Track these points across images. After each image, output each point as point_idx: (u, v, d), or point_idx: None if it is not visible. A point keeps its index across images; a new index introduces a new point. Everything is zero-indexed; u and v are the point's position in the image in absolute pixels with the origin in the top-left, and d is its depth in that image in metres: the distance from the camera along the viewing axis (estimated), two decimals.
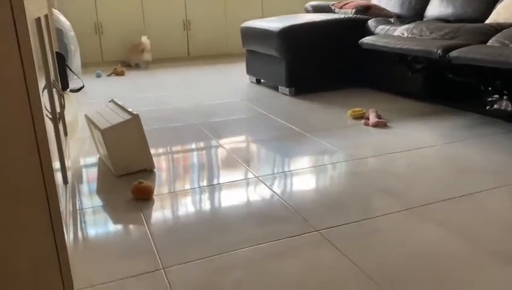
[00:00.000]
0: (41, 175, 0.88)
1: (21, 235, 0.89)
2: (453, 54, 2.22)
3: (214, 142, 2.20)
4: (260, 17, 5.47)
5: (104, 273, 1.15)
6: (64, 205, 1.23)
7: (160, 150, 2.11)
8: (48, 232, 0.91)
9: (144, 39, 4.67)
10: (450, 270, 1.13)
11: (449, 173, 1.76)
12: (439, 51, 2.30)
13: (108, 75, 4.27)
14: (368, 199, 1.55)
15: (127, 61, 4.78)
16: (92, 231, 1.37)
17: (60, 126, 1.55)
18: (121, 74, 4.29)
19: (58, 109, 1.56)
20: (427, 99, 2.94)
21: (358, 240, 1.28)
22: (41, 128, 0.86)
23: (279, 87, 3.35)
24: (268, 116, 2.66)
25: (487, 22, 2.74)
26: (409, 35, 2.79)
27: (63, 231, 0.92)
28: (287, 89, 3.24)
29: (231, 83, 3.81)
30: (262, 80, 3.75)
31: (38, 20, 1.25)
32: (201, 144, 2.19)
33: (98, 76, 4.21)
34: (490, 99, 2.90)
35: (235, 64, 4.85)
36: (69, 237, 1.19)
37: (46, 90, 1.30)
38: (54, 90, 1.45)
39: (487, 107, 2.71)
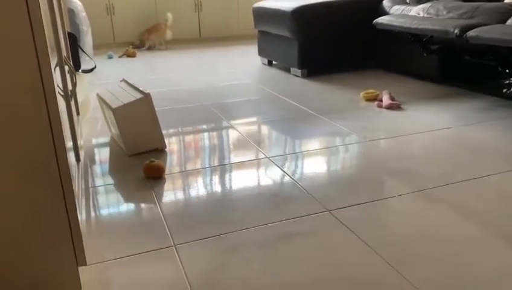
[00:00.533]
0: (54, 152, 0.88)
1: (35, 212, 0.90)
2: (471, 33, 2.16)
3: (225, 123, 2.20)
4: None
5: (116, 249, 1.16)
6: (77, 183, 1.24)
7: (172, 130, 2.12)
8: (61, 208, 0.92)
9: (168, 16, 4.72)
10: (461, 253, 1.12)
11: (464, 155, 1.73)
12: (456, 31, 2.24)
13: (119, 57, 4.27)
14: (380, 180, 1.53)
15: (144, 41, 4.74)
16: (104, 209, 1.39)
17: (72, 104, 1.56)
18: (133, 55, 4.28)
19: (70, 87, 1.56)
20: (442, 82, 2.89)
21: (370, 221, 1.27)
22: (54, 106, 0.86)
23: (291, 68, 3.32)
24: (280, 98, 2.64)
25: (506, 1, 2.65)
26: (425, 15, 2.73)
27: (75, 207, 0.93)
28: (299, 71, 3.21)
29: (243, 64, 3.78)
30: (274, 62, 3.71)
31: None
32: (213, 125, 2.18)
33: (110, 57, 4.21)
34: (508, 82, 2.83)
35: (247, 46, 4.81)
36: (81, 213, 1.20)
37: (58, 68, 1.30)
38: (66, 68, 1.45)
39: (504, 90, 2.65)
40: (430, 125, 2.08)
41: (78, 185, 1.25)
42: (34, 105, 0.84)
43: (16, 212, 0.89)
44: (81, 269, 1.03)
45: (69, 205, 0.92)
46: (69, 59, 1.91)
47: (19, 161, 0.86)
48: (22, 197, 0.88)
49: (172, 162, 1.74)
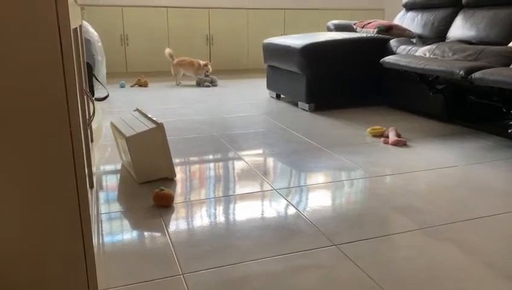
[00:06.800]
0: (75, 179, 0.92)
1: (51, 235, 0.93)
2: (476, 75, 2.22)
3: (233, 154, 2.24)
4: (282, 35, 5.55)
5: (124, 276, 1.18)
6: (91, 209, 1.27)
7: (181, 160, 2.16)
8: (77, 234, 0.95)
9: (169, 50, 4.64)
10: None
11: (469, 193, 1.75)
12: (461, 72, 2.30)
13: (132, 86, 4.38)
14: (386, 216, 1.55)
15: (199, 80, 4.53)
16: (113, 235, 1.41)
17: (88, 132, 1.61)
18: (145, 84, 4.38)
19: (87, 116, 1.61)
20: (447, 120, 2.93)
21: (376, 256, 1.28)
22: (77, 133, 0.90)
23: (299, 102, 3.38)
24: (288, 131, 2.69)
25: (510, 45, 2.73)
26: (431, 56, 2.80)
27: (91, 232, 0.96)
28: (307, 105, 3.27)
29: (251, 97, 3.86)
30: (282, 95, 3.79)
31: (74, 30, 1.32)
32: (221, 155, 2.22)
33: (122, 86, 4.32)
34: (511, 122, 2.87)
35: (255, 79, 4.91)
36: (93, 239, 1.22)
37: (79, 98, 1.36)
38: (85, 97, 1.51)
39: (509, 131, 2.69)
40: (436, 163, 2.11)
41: (92, 211, 1.28)
42: (59, 131, 0.88)
43: (33, 235, 0.92)
44: None
45: (85, 231, 0.95)
46: (88, 88, 1.98)
47: (41, 186, 0.89)
48: (40, 220, 0.91)
49: (181, 191, 1.77)
